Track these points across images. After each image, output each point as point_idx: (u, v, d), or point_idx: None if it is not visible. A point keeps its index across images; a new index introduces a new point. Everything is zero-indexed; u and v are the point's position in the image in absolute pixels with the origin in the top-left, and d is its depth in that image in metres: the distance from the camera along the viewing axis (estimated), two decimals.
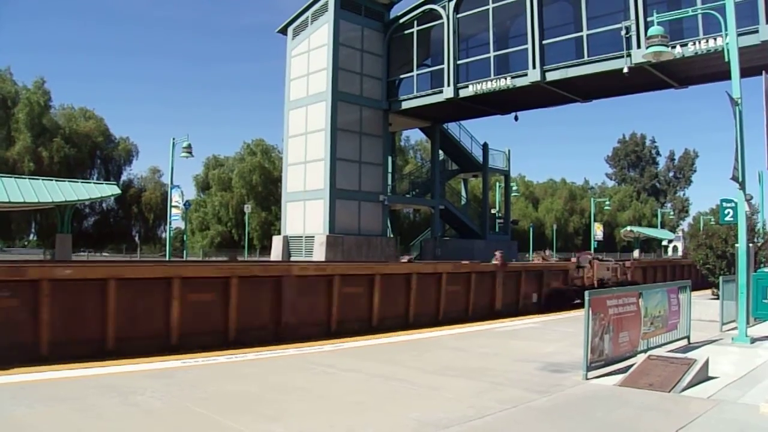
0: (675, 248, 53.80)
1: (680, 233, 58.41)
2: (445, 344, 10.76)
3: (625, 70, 23.00)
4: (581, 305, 8.83)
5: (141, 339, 10.23)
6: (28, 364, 8.12)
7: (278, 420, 5.59)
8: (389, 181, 35.27)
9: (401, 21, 32.00)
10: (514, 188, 49.12)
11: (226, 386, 6.99)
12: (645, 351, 8.57)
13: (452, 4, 29.43)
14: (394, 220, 39.42)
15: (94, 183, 34.84)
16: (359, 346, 10.41)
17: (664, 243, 61.10)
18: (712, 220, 45.20)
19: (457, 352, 9.77)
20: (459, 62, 29.44)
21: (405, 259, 23.17)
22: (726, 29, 11.40)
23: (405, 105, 31.60)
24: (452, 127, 37.28)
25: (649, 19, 21.16)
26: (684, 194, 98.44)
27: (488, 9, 28.26)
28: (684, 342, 10.24)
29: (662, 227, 69.91)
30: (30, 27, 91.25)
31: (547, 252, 47.00)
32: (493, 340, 11.20)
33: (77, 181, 31.10)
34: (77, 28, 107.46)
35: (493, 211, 42.40)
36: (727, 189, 63.63)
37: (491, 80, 27.88)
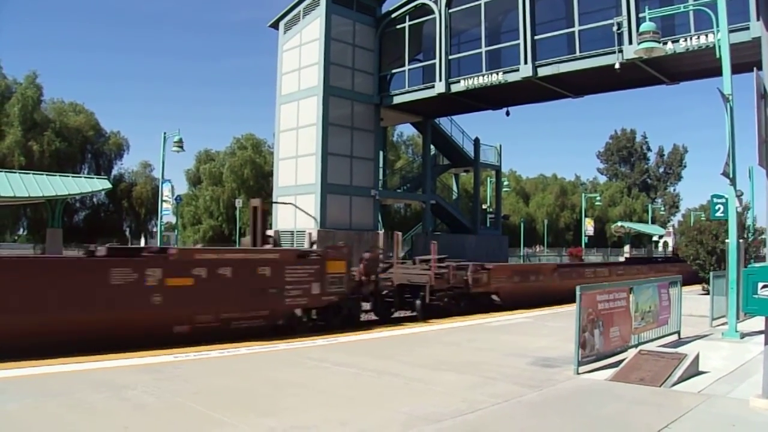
0: (666, 243, 54.13)
1: (671, 229, 58.75)
2: (438, 339, 10.79)
3: (617, 65, 23.05)
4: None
5: None
6: None
7: (271, 414, 5.59)
8: (380, 176, 35.20)
9: (393, 16, 31.90)
10: (505, 183, 49.19)
11: (219, 381, 6.99)
12: (636, 346, 8.62)
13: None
14: (385, 215, 39.40)
15: (85, 177, 34.62)
16: (351, 341, 10.42)
17: (655, 238, 61.46)
18: (703, 215, 45.43)
19: (449, 347, 9.80)
20: (451, 57, 29.37)
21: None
22: (717, 26, 11.45)
23: (397, 100, 31.52)
24: (444, 122, 37.22)
25: (640, 15, 21.09)
26: (674, 190, 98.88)
27: (480, 4, 28.21)
28: (675, 337, 10.31)
29: (653, 223, 70.23)
30: (20, 25, 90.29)
31: (538, 247, 47.21)
32: (485, 335, 11.23)
33: (68, 176, 30.84)
34: (67, 25, 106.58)
35: (484, 207, 42.43)
36: (716, 185, 64.10)
37: (483, 75, 27.84)
